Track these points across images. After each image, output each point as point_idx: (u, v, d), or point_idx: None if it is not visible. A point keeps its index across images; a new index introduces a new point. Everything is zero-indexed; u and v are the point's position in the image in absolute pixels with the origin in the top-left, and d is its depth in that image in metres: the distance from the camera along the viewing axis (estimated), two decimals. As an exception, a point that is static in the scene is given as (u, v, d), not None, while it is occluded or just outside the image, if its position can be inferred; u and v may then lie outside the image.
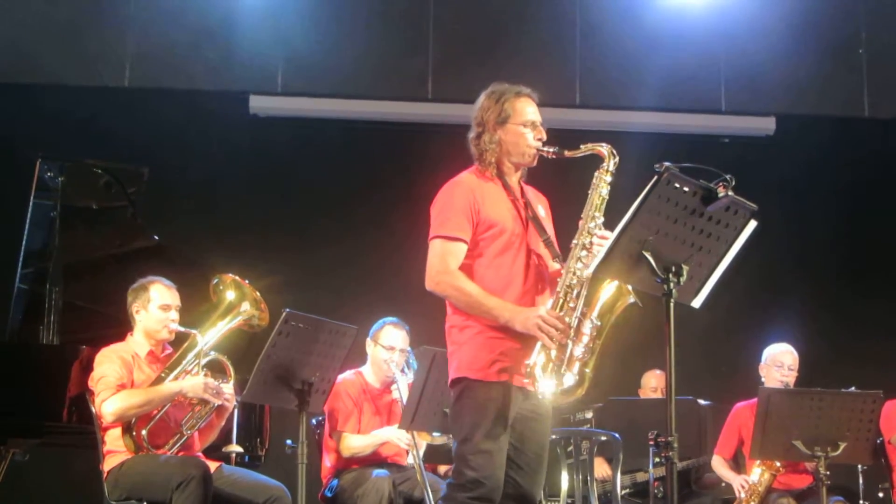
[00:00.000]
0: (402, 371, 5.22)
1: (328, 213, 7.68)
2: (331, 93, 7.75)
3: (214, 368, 4.75)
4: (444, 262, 3.52)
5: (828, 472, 4.71)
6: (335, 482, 5.18)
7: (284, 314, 4.40)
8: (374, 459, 5.21)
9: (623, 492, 5.93)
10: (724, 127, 8.04)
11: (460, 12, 7.84)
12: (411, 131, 7.91)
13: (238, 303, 4.90)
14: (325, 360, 4.55)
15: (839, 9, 7.95)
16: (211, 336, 4.79)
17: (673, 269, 3.05)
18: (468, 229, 3.54)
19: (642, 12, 7.85)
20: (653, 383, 6.74)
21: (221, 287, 4.93)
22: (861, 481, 5.58)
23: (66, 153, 5.87)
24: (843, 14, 7.95)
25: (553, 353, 3.39)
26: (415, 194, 7.38)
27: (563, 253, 3.61)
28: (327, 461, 5.29)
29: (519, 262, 3.56)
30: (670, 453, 3.05)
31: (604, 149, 3.55)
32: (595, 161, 3.59)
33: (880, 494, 5.69)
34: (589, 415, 6.25)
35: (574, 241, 3.51)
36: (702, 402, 5.76)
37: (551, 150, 3.61)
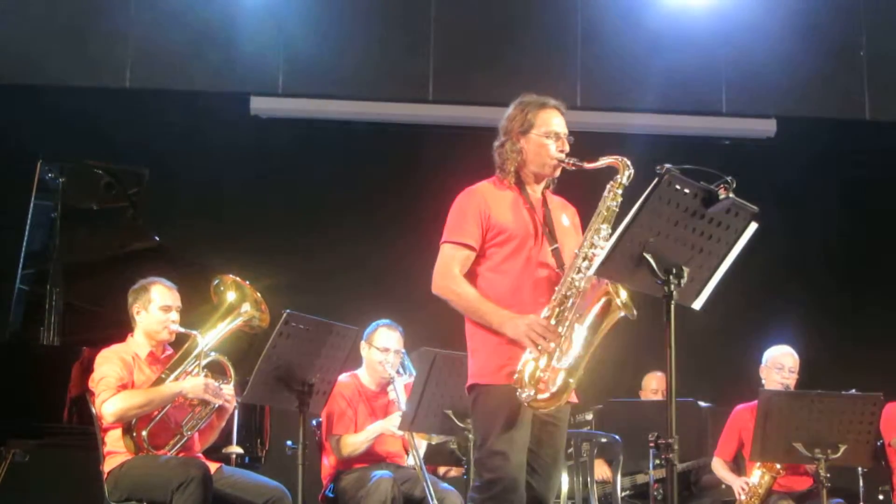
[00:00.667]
0: (398, 372, 5.24)
1: (329, 213, 7.68)
2: (332, 94, 7.75)
3: (215, 369, 4.75)
4: (448, 266, 3.58)
5: (828, 475, 4.71)
6: (336, 483, 5.17)
7: (285, 315, 4.40)
8: (374, 459, 5.21)
9: (623, 493, 5.93)
10: (725, 129, 8.05)
11: (461, 14, 7.84)
12: (412, 133, 7.91)
13: (238, 304, 4.90)
14: (325, 362, 4.55)
15: (840, 11, 7.96)
16: (211, 337, 4.79)
17: (674, 270, 3.05)
18: (477, 236, 3.59)
19: (643, 14, 7.85)
20: (653, 385, 6.75)
21: (222, 288, 4.93)
22: (861, 484, 5.58)
23: (66, 154, 5.88)
24: (843, 16, 7.95)
25: (542, 361, 3.41)
26: (415, 195, 7.44)
27: None
28: (327, 462, 5.28)
29: (527, 270, 3.59)
30: (671, 455, 3.05)
31: (619, 161, 3.55)
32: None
33: (880, 497, 5.69)
34: (589, 416, 6.25)
35: (576, 251, 3.53)
36: (702, 403, 5.77)
37: (572, 161, 3.63)
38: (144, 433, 4.50)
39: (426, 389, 4.61)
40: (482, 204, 3.62)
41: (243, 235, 7.36)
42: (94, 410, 4.60)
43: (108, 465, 4.51)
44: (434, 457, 5.38)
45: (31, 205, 5.58)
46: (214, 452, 5.01)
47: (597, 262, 3.23)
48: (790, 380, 5.66)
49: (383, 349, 5.30)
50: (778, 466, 5.39)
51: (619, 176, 3.56)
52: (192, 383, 4.58)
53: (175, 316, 4.73)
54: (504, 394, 3.46)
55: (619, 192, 3.54)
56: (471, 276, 3.60)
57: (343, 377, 5.30)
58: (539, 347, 3.40)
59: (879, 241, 7.92)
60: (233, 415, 5.07)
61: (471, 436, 4.20)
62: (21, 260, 5.59)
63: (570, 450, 5.66)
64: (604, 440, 5.62)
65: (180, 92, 7.58)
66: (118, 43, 7.54)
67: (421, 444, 5.08)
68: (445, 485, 5.17)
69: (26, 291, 5.63)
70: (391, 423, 5.13)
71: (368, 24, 7.79)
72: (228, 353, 4.85)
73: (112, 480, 4.46)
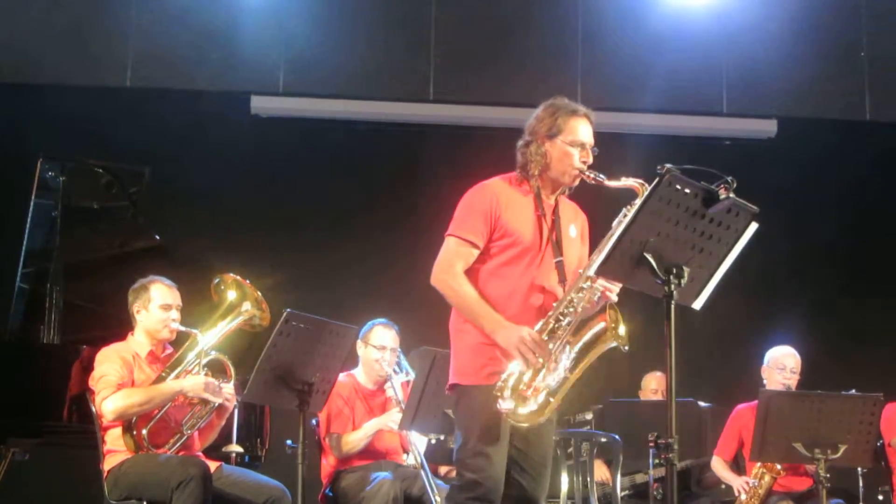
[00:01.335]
0: (394, 370, 5.26)
1: (329, 213, 7.68)
2: (332, 93, 7.75)
3: (215, 368, 4.75)
4: (450, 261, 3.56)
5: (828, 475, 4.71)
6: (336, 482, 5.17)
7: (285, 314, 4.40)
8: (373, 456, 5.21)
9: (622, 493, 5.93)
10: (726, 129, 8.04)
11: (462, 14, 7.84)
12: (413, 132, 7.91)
13: (239, 303, 4.90)
14: (325, 361, 4.55)
15: (841, 12, 7.96)
16: (212, 336, 4.78)
17: (674, 270, 3.05)
18: (483, 234, 3.56)
19: (644, 15, 7.85)
20: (653, 385, 6.74)
21: (222, 287, 4.93)
22: (861, 484, 5.58)
23: (67, 153, 5.88)
24: (844, 17, 7.95)
25: (527, 375, 3.40)
26: (416, 195, 7.44)
27: None
28: (326, 461, 5.28)
29: (526, 278, 3.57)
30: (670, 455, 3.06)
31: (640, 187, 3.48)
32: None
33: (880, 497, 5.69)
34: (589, 416, 6.26)
35: (580, 270, 3.51)
36: (702, 403, 5.76)
37: (592, 175, 3.60)
38: (144, 432, 4.49)
39: (426, 389, 4.61)
40: (494, 202, 3.58)
41: (244, 234, 7.36)
42: (94, 409, 4.60)
43: (108, 464, 4.51)
44: (435, 456, 5.38)
45: (32, 204, 5.58)
46: (214, 451, 5.01)
47: (597, 261, 3.22)
48: (792, 380, 5.67)
49: (380, 347, 5.31)
50: (778, 466, 5.39)
51: (637, 200, 3.45)
52: (192, 382, 4.58)
53: (175, 315, 4.73)
54: (486, 394, 3.44)
55: None
56: (468, 273, 3.57)
57: (340, 377, 5.30)
58: (528, 362, 3.38)
59: (879, 241, 7.91)
60: (233, 414, 5.08)
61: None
62: (21, 258, 5.59)
63: (570, 449, 5.66)
64: (603, 440, 5.62)
65: (181, 91, 7.58)
66: (119, 42, 7.54)
67: (422, 440, 5.08)
68: (444, 484, 5.17)
69: (27, 290, 5.64)
70: (389, 419, 5.14)
71: (369, 24, 7.79)
72: (229, 351, 4.84)
73: (112, 479, 4.46)
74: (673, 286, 3.05)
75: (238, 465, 5.22)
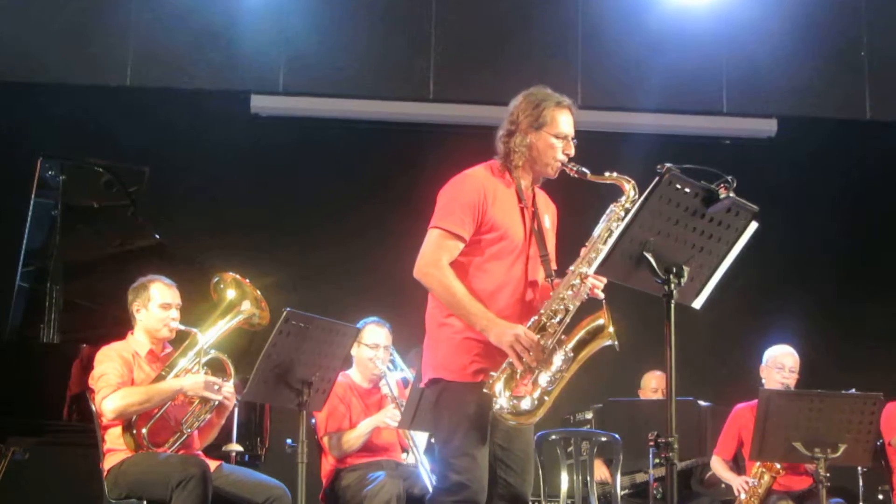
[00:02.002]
0: (388, 368, 5.29)
1: (329, 212, 7.68)
2: (332, 93, 7.75)
3: (215, 367, 4.75)
4: (436, 255, 3.48)
5: (828, 474, 4.70)
6: (336, 482, 5.17)
7: (285, 313, 4.39)
8: (372, 453, 5.22)
9: (622, 492, 5.93)
10: (726, 128, 8.04)
11: (462, 13, 7.84)
12: (413, 131, 7.91)
13: (239, 301, 4.90)
14: (325, 360, 4.54)
15: (841, 11, 7.96)
16: (211, 335, 4.79)
17: (674, 269, 3.04)
18: (470, 227, 3.50)
19: (644, 14, 7.85)
20: (653, 384, 6.74)
21: (222, 286, 4.93)
22: (861, 483, 5.58)
23: (67, 152, 5.88)
24: (844, 16, 7.95)
25: (518, 373, 3.38)
26: (416, 194, 7.38)
27: (560, 270, 3.57)
28: (326, 461, 5.29)
29: (513, 272, 3.53)
30: (670, 454, 3.05)
31: (627, 184, 3.49)
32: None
33: (880, 496, 5.69)
34: (589, 415, 6.26)
35: (571, 268, 3.49)
36: (702, 403, 5.76)
37: (575, 168, 3.57)
38: (144, 431, 4.49)
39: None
40: (481, 195, 3.51)
41: (244, 233, 7.36)
42: (93, 408, 4.60)
43: (108, 463, 4.51)
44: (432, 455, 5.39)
45: (32, 202, 5.58)
46: (214, 450, 5.01)
47: (597, 261, 3.21)
48: (790, 379, 5.67)
49: (373, 345, 5.33)
50: (778, 466, 5.39)
51: (623, 198, 3.50)
52: (192, 381, 4.58)
53: (175, 314, 4.73)
54: (472, 392, 3.41)
55: (623, 214, 3.46)
56: (452, 266, 3.48)
57: (336, 377, 5.32)
58: (522, 360, 3.35)
59: (879, 241, 7.92)
60: (233, 413, 5.07)
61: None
62: (21, 257, 5.59)
63: (570, 449, 5.66)
64: (603, 439, 5.63)
65: (181, 90, 7.58)
66: (119, 41, 7.54)
67: (422, 438, 5.09)
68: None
69: (26, 289, 5.64)
70: (385, 416, 5.15)
71: (369, 23, 7.79)
72: (228, 350, 4.84)
73: (112, 478, 4.46)
74: (673, 285, 3.04)
75: (238, 464, 5.22)
